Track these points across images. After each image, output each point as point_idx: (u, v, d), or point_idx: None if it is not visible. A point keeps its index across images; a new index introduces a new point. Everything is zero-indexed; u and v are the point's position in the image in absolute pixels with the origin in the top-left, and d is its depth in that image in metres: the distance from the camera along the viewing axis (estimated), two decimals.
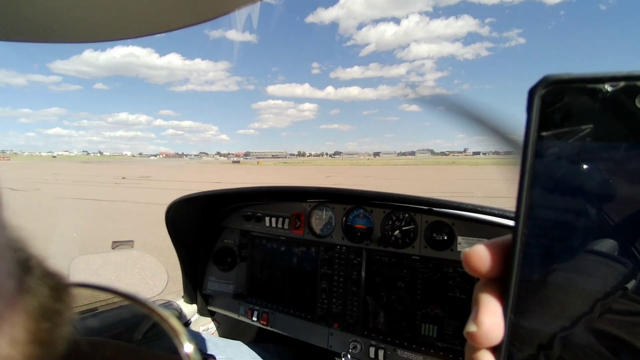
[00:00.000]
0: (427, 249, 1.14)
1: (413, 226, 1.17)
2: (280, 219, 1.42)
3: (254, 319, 1.44)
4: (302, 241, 1.38)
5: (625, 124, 0.18)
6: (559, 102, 0.19)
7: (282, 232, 1.42)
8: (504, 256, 0.21)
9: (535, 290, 0.20)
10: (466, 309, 0.89)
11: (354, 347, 1.22)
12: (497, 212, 0.97)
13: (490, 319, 0.21)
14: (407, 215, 1.19)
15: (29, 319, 0.17)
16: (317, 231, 1.36)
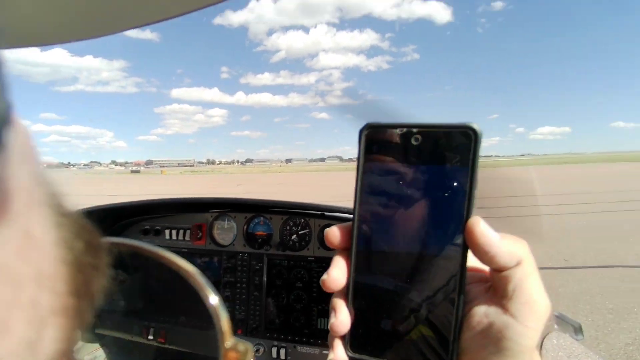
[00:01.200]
0: (320, 250, 1.26)
1: (308, 230, 1.29)
2: (181, 231, 1.41)
3: (150, 337, 1.39)
4: (204, 252, 1.39)
5: (407, 153, 0.31)
6: (375, 138, 0.31)
7: (184, 244, 1.41)
8: (348, 234, 0.33)
9: (364, 257, 0.32)
10: None
11: (257, 350, 1.27)
12: None
13: (335, 272, 0.32)
14: (302, 220, 1.30)
15: (67, 271, 0.18)
16: (219, 241, 1.39)
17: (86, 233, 0.20)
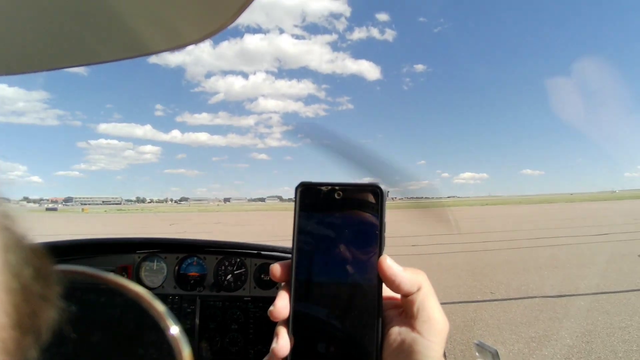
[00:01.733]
0: (257, 289, 1.24)
1: (244, 269, 1.27)
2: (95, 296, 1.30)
3: None
4: None
5: (331, 205, 0.38)
6: (307, 193, 0.38)
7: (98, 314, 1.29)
8: (289, 269, 0.37)
9: (302, 288, 0.37)
10: None
11: None
12: None
13: (280, 303, 0.36)
14: (238, 259, 1.28)
15: (10, 301, 0.16)
16: (147, 283, 1.30)
17: (37, 259, 0.18)
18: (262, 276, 1.26)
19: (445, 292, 5.11)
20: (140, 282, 1.29)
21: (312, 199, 0.39)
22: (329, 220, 0.38)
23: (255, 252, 1.25)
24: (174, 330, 0.32)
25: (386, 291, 0.37)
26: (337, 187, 0.38)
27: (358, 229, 0.38)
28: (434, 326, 0.34)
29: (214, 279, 1.27)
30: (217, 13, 0.42)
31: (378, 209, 0.38)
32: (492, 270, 6.63)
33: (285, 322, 0.37)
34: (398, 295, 0.37)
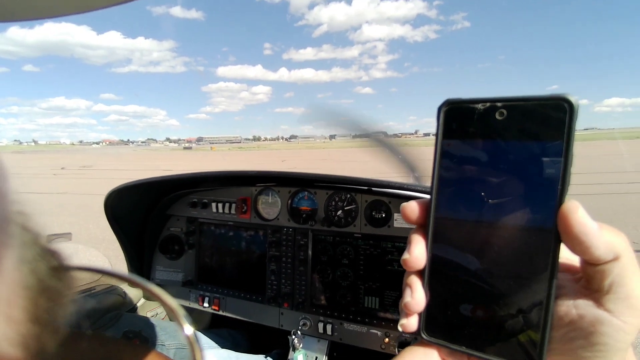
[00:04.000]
0: (367, 227, 1.20)
1: (354, 205, 1.23)
2: (227, 204, 1.42)
3: (205, 305, 1.45)
4: (249, 225, 1.40)
5: (491, 129, 0.28)
6: (455, 115, 0.30)
7: (230, 217, 1.42)
8: (426, 209, 0.31)
9: (442, 232, 0.31)
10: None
11: (304, 325, 1.27)
12: (425, 189, 1.06)
13: (417, 250, 0.31)
14: (348, 195, 1.24)
15: (27, 296, 0.16)
16: (264, 215, 1.38)
17: (52, 255, 0.19)
18: (374, 213, 1.20)
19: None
20: (258, 213, 1.38)
21: (462, 122, 0.30)
22: (487, 151, 0.29)
23: (366, 187, 1.19)
24: (188, 330, 0.30)
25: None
26: (499, 104, 0.28)
27: (529, 163, 0.27)
28: (634, 306, 0.26)
29: (324, 213, 1.27)
30: None
31: (563, 134, 0.26)
32: None
33: (419, 273, 0.32)
34: (575, 258, 0.28)
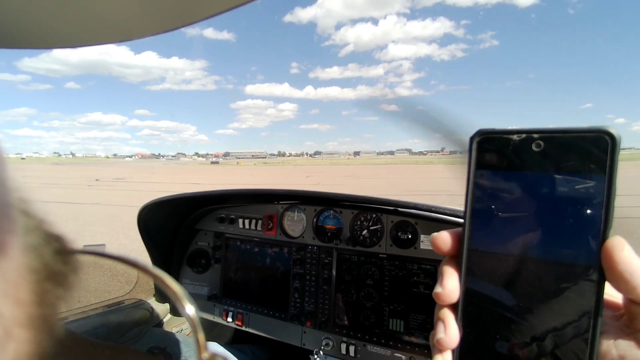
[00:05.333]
0: (393, 247, 1.19)
1: (380, 226, 1.23)
2: (254, 221, 1.45)
3: (229, 320, 1.46)
4: (274, 242, 1.41)
5: (527, 160, 0.28)
6: (489, 145, 0.30)
7: (256, 234, 1.45)
8: (458, 240, 0.31)
9: (477, 265, 0.30)
10: (429, 304, 0.95)
11: (327, 344, 1.26)
12: (452, 212, 1.04)
13: (450, 283, 0.30)
14: (374, 215, 1.24)
15: (33, 279, 0.17)
16: (289, 232, 1.39)
17: (55, 239, 0.19)
18: (399, 234, 1.19)
19: None
20: (283, 230, 1.39)
21: (496, 152, 0.29)
22: (525, 182, 0.28)
23: (392, 208, 1.18)
24: (190, 310, 0.30)
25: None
26: (536, 135, 0.28)
27: (569, 197, 0.27)
28: None
29: (349, 233, 1.27)
30: None
31: (605, 167, 0.25)
32: None
33: (452, 307, 0.30)
34: (618, 295, 0.27)
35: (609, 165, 0.25)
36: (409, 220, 1.17)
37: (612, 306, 0.29)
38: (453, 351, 0.30)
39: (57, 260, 0.18)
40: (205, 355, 0.32)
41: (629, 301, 0.26)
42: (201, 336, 0.32)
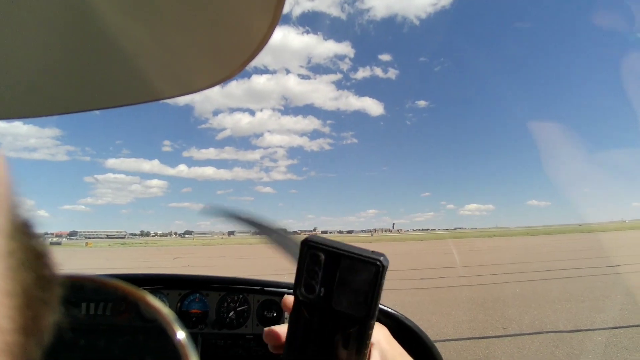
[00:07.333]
0: (259, 327, 1.21)
1: (246, 306, 1.25)
2: (101, 304, 1.28)
3: None
4: (128, 329, 1.26)
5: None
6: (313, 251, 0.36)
7: (103, 320, 1.27)
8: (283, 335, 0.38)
9: None
10: None
11: None
12: None
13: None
14: (241, 296, 1.26)
15: (13, 305, 0.16)
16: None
17: (37, 263, 0.18)
18: (265, 313, 1.23)
19: (456, 327, 4.94)
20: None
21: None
22: None
23: (258, 287, 1.23)
24: (180, 335, 0.31)
25: None
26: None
27: None
28: None
29: (216, 316, 1.24)
30: (227, 61, 0.43)
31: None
32: (503, 305, 6.41)
33: None
34: None
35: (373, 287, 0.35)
36: (274, 299, 1.23)
37: None
38: None
39: (39, 285, 0.18)
40: None
41: None
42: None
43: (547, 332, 4.80)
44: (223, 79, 0.45)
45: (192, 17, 0.40)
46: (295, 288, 0.37)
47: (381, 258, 0.35)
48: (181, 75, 0.47)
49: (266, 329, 0.38)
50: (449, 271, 10.33)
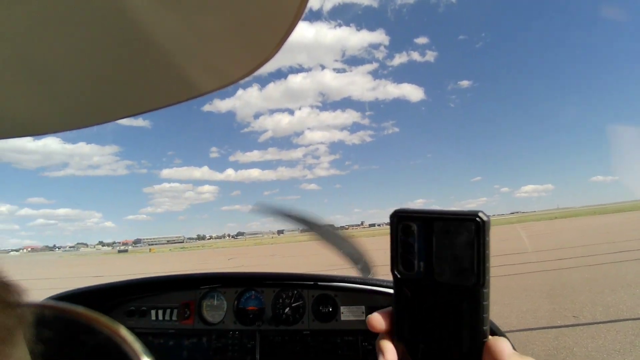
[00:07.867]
0: (315, 322, 1.20)
1: (301, 302, 1.24)
2: (168, 311, 1.34)
3: None
4: (192, 332, 1.31)
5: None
6: (404, 222, 0.33)
7: (171, 325, 1.33)
8: (390, 317, 0.34)
9: (412, 343, 0.33)
10: None
11: None
12: (371, 282, 1.13)
13: (390, 357, 0.32)
14: (295, 291, 1.25)
15: None
16: (208, 319, 1.32)
17: (5, 293, 0.18)
18: (321, 308, 1.22)
19: (520, 317, 4.64)
20: (202, 318, 1.31)
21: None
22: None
23: (312, 282, 1.22)
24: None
25: None
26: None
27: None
28: None
29: (272, 312, 1.25)
30: (257, 49, 0.42)
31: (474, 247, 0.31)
32: (572, 291, 5.90)
33: None
34: None
35: (477, 245, 0.30)
36: (329, 293, 1.21)
37: None
38: None
39: (5, 314, 0.17)
40: None
41: None
42: None
43: (625, 319, 4.35)
44: (261, 63, 0.43)
45: (223, 4, 0.38)
46: (392, 266, 0.34)
47: (480, 213, 0.30)
48: (219, 65, 0.46)
49: (370, 315, 0.34)
50: (510, 258, 9.73)
